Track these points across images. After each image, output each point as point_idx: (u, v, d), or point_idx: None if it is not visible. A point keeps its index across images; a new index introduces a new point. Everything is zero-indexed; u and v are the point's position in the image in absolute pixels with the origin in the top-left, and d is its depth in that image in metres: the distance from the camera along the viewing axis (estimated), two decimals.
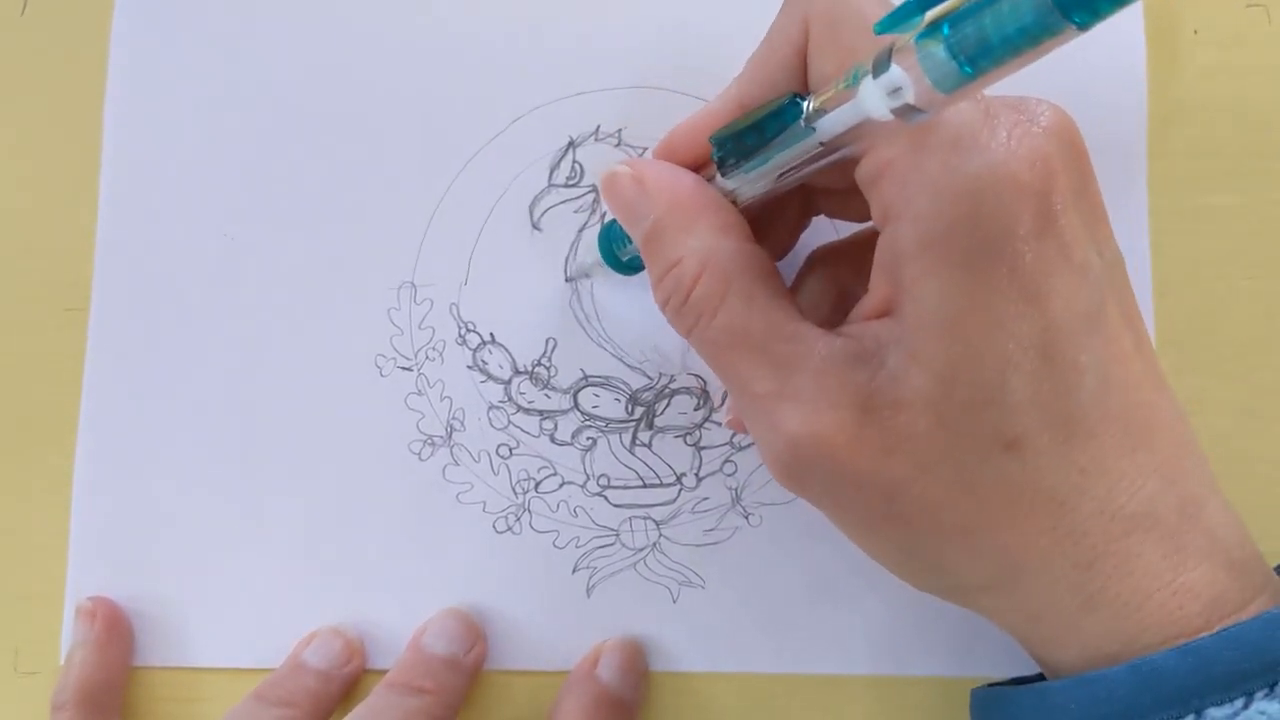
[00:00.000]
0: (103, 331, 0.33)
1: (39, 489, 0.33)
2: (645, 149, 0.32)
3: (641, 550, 0.32)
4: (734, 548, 0.32)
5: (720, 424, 0.32)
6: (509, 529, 0.32)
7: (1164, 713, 0.22)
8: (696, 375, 0.32)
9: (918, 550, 0.24)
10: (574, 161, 0.33)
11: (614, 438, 0.32)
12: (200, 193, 0.33)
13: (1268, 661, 0.22)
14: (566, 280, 0.33)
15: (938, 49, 0.17)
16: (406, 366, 0.33)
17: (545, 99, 0.33)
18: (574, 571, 0.32)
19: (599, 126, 0.33)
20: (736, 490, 0.32)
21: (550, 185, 0.33)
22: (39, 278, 0.34)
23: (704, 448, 0.32)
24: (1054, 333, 0.22)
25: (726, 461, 0.32)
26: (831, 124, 0.21)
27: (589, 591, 0.32)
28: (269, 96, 0.33)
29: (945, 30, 0.17)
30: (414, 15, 0.33)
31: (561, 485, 0.32)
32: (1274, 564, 0.25)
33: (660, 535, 0.32)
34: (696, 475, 0.32)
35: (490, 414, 0.32)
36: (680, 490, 0.32)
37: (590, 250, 0.32)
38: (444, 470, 0.32)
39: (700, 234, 0.25)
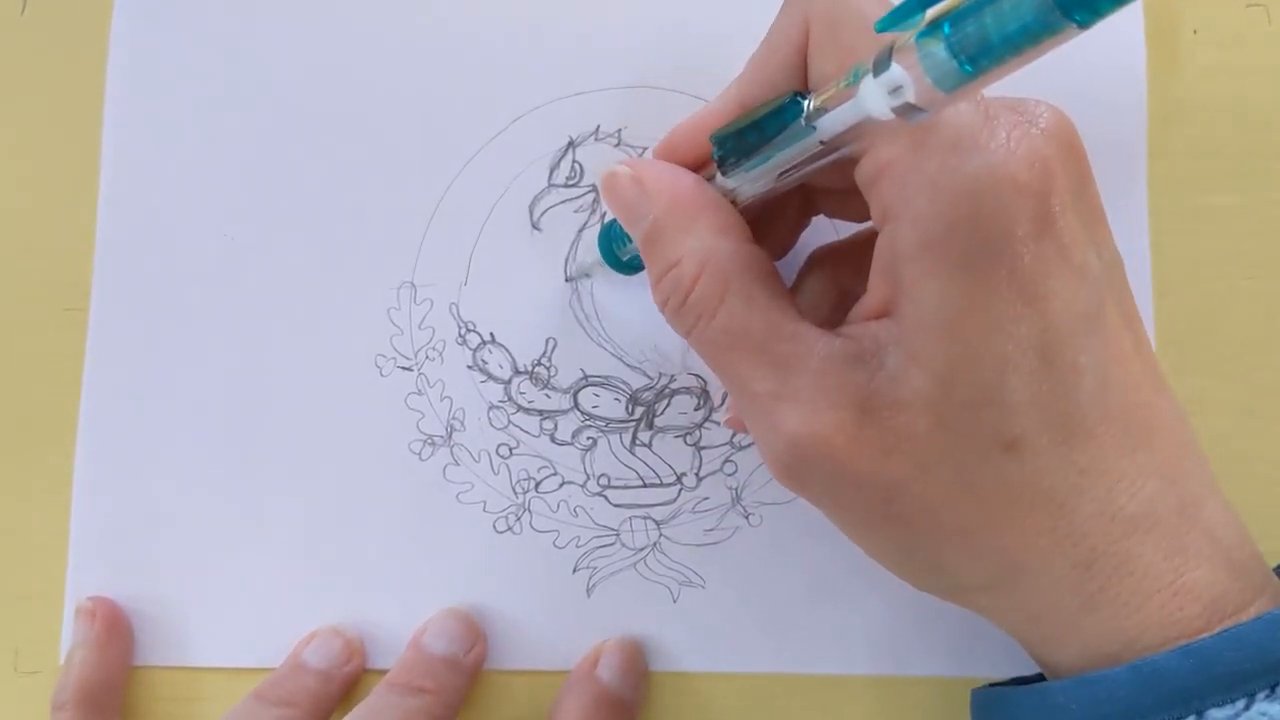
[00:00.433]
0: (103, 331, 0.33)
1: (39, 489, 0.33)
2: (645, 149, 0.32)
3: (642, 550, 0.32)
4: (734, 548, 0.32)
5: (720, 424, 0.32)
6: (509, 529, 0.32)
7: (1165, 713, 0.22)
8: (696, 375, 0.32)
9: (917, 550, 0.24)
10: (574, 161, 0.33)
11: (614, 437, 0.32)
12: (200, 193, 0.33)
13: (1269, 662, 0.22)
14: (566, 280, 0.33)
15: (938, 48, 0.17)
16: (406, 366, 0.33)
17: (545, 99, 0.33)
18: (574, 571, 0.32)
19: (599, 126, 0.33)
20: (736, 490, 0.32)
21: (550, 185, 0.33)
22: (39, 278, 0.34)
23: (704, 448, 0.32)
24: (1053, 334, 0.22)
25: (726, 461, 0.32)
26: (832, 123, 0.21)
27: (589, 591, 0.32)
28: (269, 96, 0.33)
29: (946, 29, 0.17)
30: (414, 15, 0.33)
31: (561, 485, 0.32)
32: (1274, 564, 0.25)
33: (660, 535, 0.32)
34: (696, 475, 0.32)
35: (490, 414, 0.32)
36: (680, 490, 0.32)
37: (590, 250, 0.32)
38: (444, 470, 0.32)
39: (699, 234, 0.25)
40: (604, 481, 0.32)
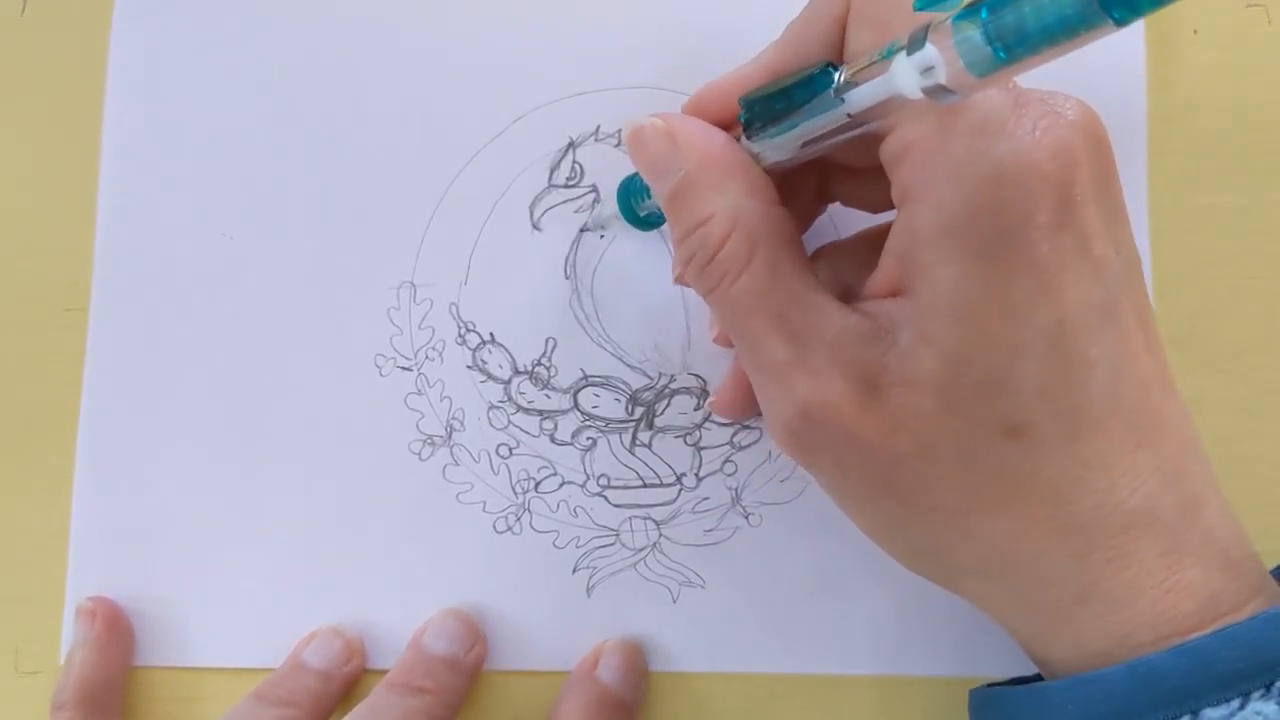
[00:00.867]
0: (103, 331, 0.33)
1: (39, 489, 0.33)
2: None
3: (641, 550, 0.32)
4: (734, 547, 0.32)
5: (720, 424, 0.32)
6: (509, 529, 0.32)
7: (1161, 713, 0.22)
8: (696, 375, 0.32)
9: (912, 527, 0.24)
10: (574, 162, 0.33)
11: (614, 438, 0.32)
12: (200, 193, 0.33)
13: (1264, 662, 0.22)
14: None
15: (974, 32, 0.17)
16: (406, 366, 0.33)
17: (545, 99, 0.33)
18: (574, 571, 0.32)
19: (599, 126, 0.33)
20: (736, 490, 0.32)
21: (550, 185, 0.33)
22: (39, 278, 0.34)
23: (704, 448, 0.32)
24: (1067, 324, 0.22)
25: (726, 461, 0.32)
26: (861, 97, 0.21)
27: (589, 591, 0.32)
28: (269, 96, 0.34)
29: (983, 14, 0.17)
30: (414, 15, 0.33)
31: (561, 485, 0.32)
32: (1272, 565, 0.25)
33: (660, 535, 0.32)
34: (696, 475, 0.32)
35: (490, 414, 0.33)
36: (680, 490, 0.32)
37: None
38: (444, 470, 0.32)
39: (730, 193, 0.24)
40: (604, 482, 0.32)
